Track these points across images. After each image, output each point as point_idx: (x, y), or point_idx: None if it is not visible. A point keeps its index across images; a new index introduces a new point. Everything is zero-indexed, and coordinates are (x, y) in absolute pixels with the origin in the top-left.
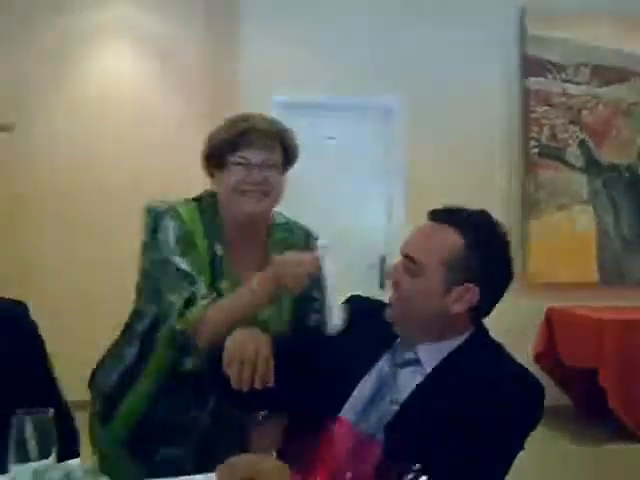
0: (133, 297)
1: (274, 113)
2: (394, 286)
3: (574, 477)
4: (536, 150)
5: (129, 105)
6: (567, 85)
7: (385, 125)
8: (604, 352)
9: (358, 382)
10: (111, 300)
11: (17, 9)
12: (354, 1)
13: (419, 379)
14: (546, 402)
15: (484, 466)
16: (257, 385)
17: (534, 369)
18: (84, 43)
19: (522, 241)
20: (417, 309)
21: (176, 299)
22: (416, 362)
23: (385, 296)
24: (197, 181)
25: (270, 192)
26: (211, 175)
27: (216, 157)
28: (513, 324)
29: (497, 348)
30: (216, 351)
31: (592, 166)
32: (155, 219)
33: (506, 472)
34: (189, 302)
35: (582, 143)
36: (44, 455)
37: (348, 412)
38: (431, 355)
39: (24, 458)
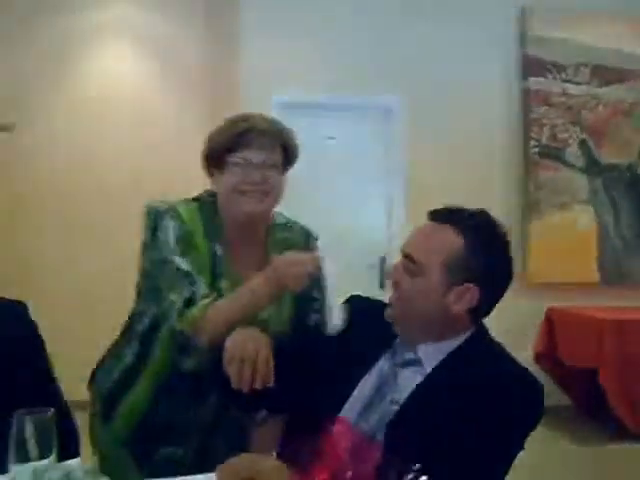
0: (133, 297)
1: (274, 113)
2: (394, 286)
3: (574, 477)
4: (536, 150)
5: (129, 105)
6: (567, 85)
7: (385, 125)
8: (604, 352)
9: (358, 382)
10: (111, 300)
11: (17, 9)
12: (354, 1)
13: (419, 379)
14: (546, 402)
15: (484, 466)
16: (257, 385)
17: (534, 369)
18: (84, 43)
19: (522, 241)
20: (417, 309)
21: (176, 299)
22: (416, 362)
23: (385, 296)
24: (197, 181)
25: (270, 192)
26: (211, 175)
27: (216, 157)
28: (513, 324)
29: (497, 348)
30: (216, 351)
31: (592, 166)
32: (155, 219)
33: (506, 472)
34: (189, 302)
35: (582, 143)
36: (44, 455)
37: (348, 412)
38: (431, 355)
39: (24, 458)
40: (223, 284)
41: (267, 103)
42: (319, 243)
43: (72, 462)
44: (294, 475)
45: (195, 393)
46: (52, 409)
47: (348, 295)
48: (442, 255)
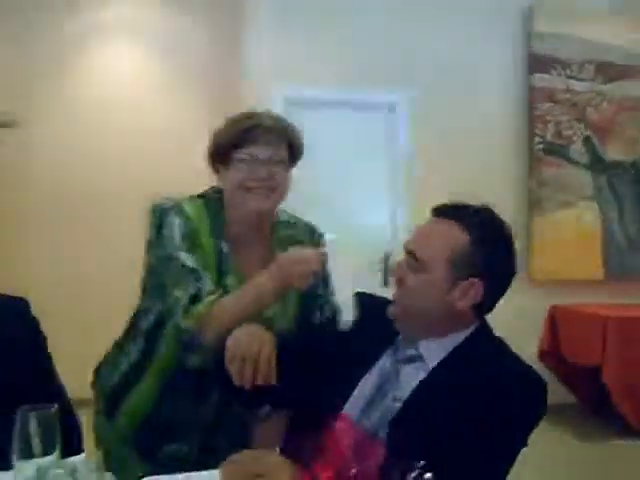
0: (132, 297)
1: (277, 110)
2: (398, 283)
3: (579, 474)
4: (540, 147)
5: (129, 104)
6: (572, 82)
7: (389, 122)
8: (607, 349)
9: (360, 379)
10: (111, 299)
11: (20, 8)
12: None
13: (421, 375)
14: (551, 400)
15: (487, 463)
16: (259, 382)
17: (539, 367)
18: (85, 42)
19: (526, 238)
20: (421, 305)
21: (182, 295)
22: (418, 358)
23: (388, 294)
24: (199, 180)
25: (276, 188)
26: (216, 172)
27: (222, 153)
28: (517, 321)
29: (499, 344)
30: (219, 347)
31: (597, 163)
32: (160, 216)
33: (509, 469)
34: (195, 298)
35: (587, 140)
36: (48, 451)
37: (350, 409)
38: (433, 351)
39: (28, 454)
40: (229, 281)
41: (271, 100)
42: (332, 237)
43: (76, 458)
44: (298, 472)
45: (199, 390)
46: (56, 405)
47: (352, 292)
48: (447, 251)
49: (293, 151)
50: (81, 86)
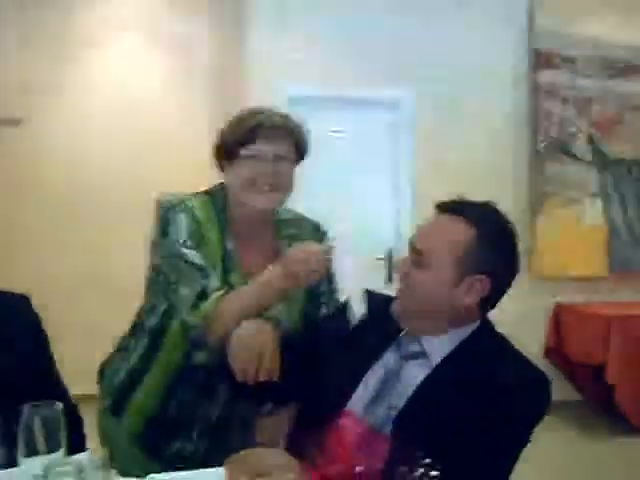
0: (133, 297)
1: (281, 107)
2: (402, 277)
3: (583, 471)
4: (545, 143)
5: (133, 104)
6: (577, 78)
7: (392, 119)
8: (610, 348)
9: (364, 375)
10: (111, 300)
11: (26, 6)
12: None
13: (425, 372)
14: (556, 397)
15: (491, 458)
16: (262, 378)
17: (544, 364)
18: (90, 41)
19: (530, 235)
20: (426, 301)
21: (188, 292)
22: (422, 354)
23: (392, 291)
24: (203, 179)
25: (281, 185)
26: (222, 169)
27: (228, 150)
28: (521, 318)
29: (502, 341)
30: (225, 343)
31: (601, 160)
32: (166, 213)
33: (513, 465)
34: (202, 295)
35: (591, 137)
36: (53, 449)
37: (355, 406)
38: (437, 347)
39: (33, 452)
40: (234, 278)
41: (275, 97)
42: (330, 235)
43: (82, 456)
44: (303, 469)
45: (206, 387)
46: (60, 403)
47: (353, 290)
48: (454, 247)
49: (299, 149)
50: (84, 85)
